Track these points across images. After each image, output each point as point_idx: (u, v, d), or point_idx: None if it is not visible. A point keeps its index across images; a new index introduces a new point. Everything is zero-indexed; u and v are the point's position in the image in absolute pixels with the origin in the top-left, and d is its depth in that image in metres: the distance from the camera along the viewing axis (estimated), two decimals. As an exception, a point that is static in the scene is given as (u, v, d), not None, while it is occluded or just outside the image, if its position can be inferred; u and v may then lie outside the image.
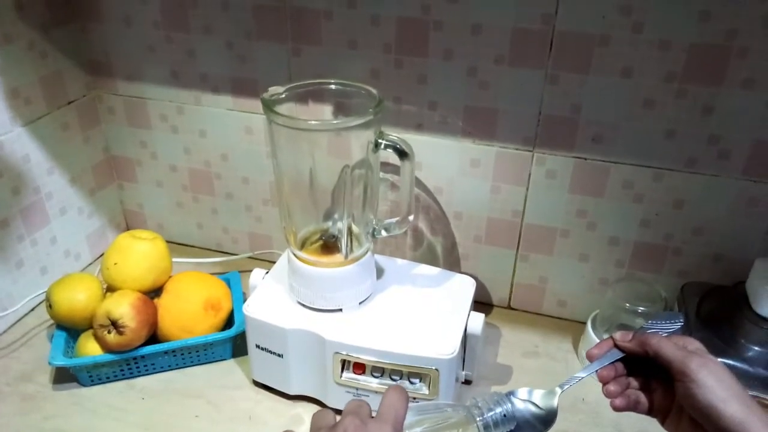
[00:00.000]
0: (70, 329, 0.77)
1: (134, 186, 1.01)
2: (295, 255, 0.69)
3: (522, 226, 0.83)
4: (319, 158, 0.64)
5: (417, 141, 0.79)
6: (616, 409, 0.50)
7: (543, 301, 0.88)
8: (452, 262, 0.88)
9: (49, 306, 0.75)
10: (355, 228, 0.68)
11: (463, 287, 0.74)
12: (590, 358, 0.52)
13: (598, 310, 0.81)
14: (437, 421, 0.46)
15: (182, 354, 0.77)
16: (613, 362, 0.51)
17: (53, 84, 0.86)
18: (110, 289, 0.77)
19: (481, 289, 0.89)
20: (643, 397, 0.51)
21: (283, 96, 0.64)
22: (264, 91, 0.63)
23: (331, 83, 0.67)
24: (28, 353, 0.81)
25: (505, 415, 0.47)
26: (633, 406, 0.51)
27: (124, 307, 0.71)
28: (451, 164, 0.81)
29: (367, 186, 0.66)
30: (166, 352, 0.75)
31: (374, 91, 0.63)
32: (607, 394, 0.50)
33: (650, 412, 0.51)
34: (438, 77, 0.75)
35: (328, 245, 0.70)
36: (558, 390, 0.50)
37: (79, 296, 0.75)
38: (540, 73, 0.71)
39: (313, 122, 0.61)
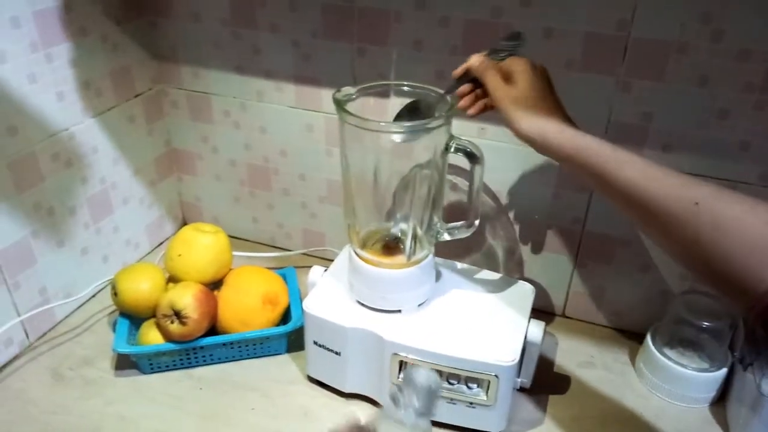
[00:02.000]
0: (133, 317, 0.79)
1: (193, 179, 1.03)
2: (357, 254, 0.69)
3: (582, 233, 0.81)
4: (386, 159, 0.64)
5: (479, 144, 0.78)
6: (461, 108, 0.61)
7: (599, 311, 0.87)
8: (510, 267, 0.87)
9: (115, 294, 0.77)
10: (418, 230, 0.68)
11: (523, 294, 0.74)
12: (454, 76, 0.62)
13: (658, 322, 0.79)
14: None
15: (239, 347, 0.78)
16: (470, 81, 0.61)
17: (122, 77, 0.88)
18: (173, 279, 0.79)
19: (535, 293, 0.88)
20: (487, 102, 0.61)
21: (354, 96, 0.64)
22: (326, 89, 0.63)
23: (403, 85, 0.67)
24: (91, 338, 0.83)
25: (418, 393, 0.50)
26: (482, 109, 0.61)
27: (187, 298, 0.72)
28: (512, 169, 0.80)
29: (432, 188, 0.66)
30: (224, 344, 0.77)
31: (437, 92, 0.63)
32: (462, 107, 0.61)
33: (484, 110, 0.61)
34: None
35: (390, 246, 0.70)
36: (438, 97, 0.63)
37: (143, 285, 0.76)
38: (611, 79, 0.70)
39: (383, 123, 0.61)
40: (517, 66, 0.57)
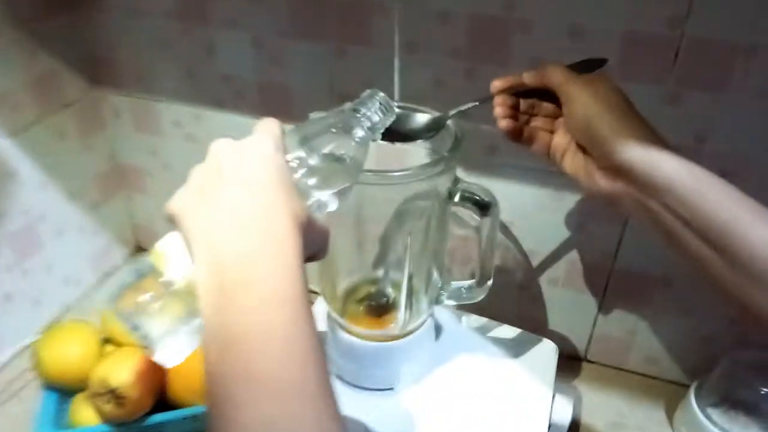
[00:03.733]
0: (63, 389, 0.64)
1: (145, 198, 0.87)
2: (335, 320, 0.54)
3: (612, 270, 0.67)
4: (370, 198, 0.49)
5: (487, 166, 0.63)
6: (505, 131, 0.48)
7: (628, 356, 0.73)
8: (521, 304, 0.73)
9: (37, 364, 0.62)
10: (415, 287, 0.54)
11: (545, 355, 0.60)
12: (492, 89, 0.49)
13: (704, 376, 0.65)
14: (322, 129, 0.41)
15: (194, 421, 0.63)
16: (515, 95, 0.48)
17: (46, 85, 0.71)
18: (110, 341, 0.64)
19: (551, 335, 0.74)
20: (542, 135, 0.49)
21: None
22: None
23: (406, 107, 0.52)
24: (16, 409, 0.68)
25: (381, 105, 0.43)
26: (528, 140, 0.49)
27: (124, 374, 0.57)
28: (528, 194, 0.65)
29: (431, 238, 0.51)
30: (176, 420, 0.62)
31: (449, 122, 0.48)
32: (496, 114, 0.48)
33: (548, 152, 0.49)
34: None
35: (377, 306, 0.55)
36: (450, 113, 0.48)
37: (71, 353, 0.61)
38: (657, 89, 0.55)
39: (369, 174, 0.45)
40: (606, 82, 0.44)
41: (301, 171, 0.38)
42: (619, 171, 0.41)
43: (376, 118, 0.42)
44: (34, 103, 0.70)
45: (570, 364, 0.75)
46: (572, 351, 0.75)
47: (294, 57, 0.66)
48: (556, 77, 0.45)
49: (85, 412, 0.61)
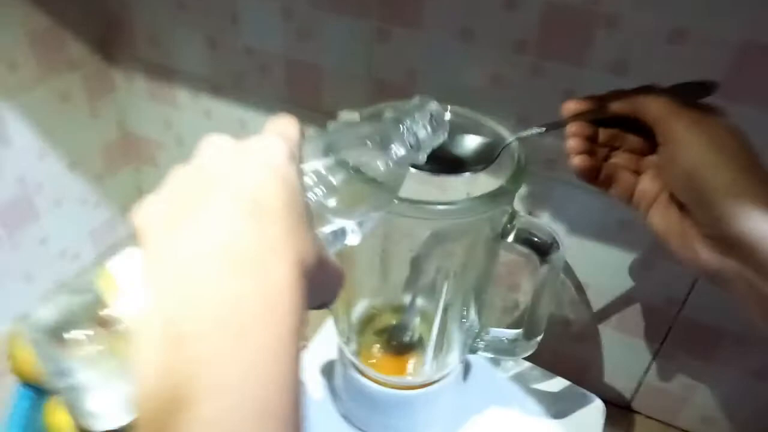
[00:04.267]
0: (39, 389, 0.57)
1: (155, 171, 0.79)
2: (346, 356, 0.46)
3: (677, 318, 0.57)
4: (402, 229, 0.40)
5: (541, 181, 0.54)
6: (577, 169, 0.38)
7: (680, 412, 0.64)
8: (563, 339, 0.64)
9: (9, 358, 0.55)
10: (449, 327, 0.45)
11: (590, 416, 0.51)
12: (565, 111, 0.39)
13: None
14: (353, 139, 0.32)
15: None
16: (592, 122, 0.38)
17: (49, 43, 0.63)
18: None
19: (594, 377, 0.65)
20: (624, 177, 0.38)
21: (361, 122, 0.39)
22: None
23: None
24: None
25: (432, 119, 0.33)
26: (605, 182, 0.39)
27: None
28: (590, 219, 0.55)
29: (473, 275, 0.41)
30: None
31: (510, 137, 0.38)
32: (569, 149, 0.38)
33: (631, 197, 0.38)
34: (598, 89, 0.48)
35: (398, 343, 0.47)
36: (508, 138, 0.38)
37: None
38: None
39: (405, 204, 0.36)
40: (723, 121, 0.34)
41: (320, 190, 0.29)
42: (733, 245, 0.31)
43: (423, 134, 0.32)
44: (34, 62, 0.62)
45: (611, 411, 0.66)
46: (616, 398, 0.66)
47: (328, 33, 0.56)
48: (655, 108, 0.35)
49: (60, 416, 0.54)
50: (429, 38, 0.52)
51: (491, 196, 0.35)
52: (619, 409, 0.66)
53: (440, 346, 0.43)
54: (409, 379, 0.45)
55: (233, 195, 0.25)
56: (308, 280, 0.24)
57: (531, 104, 0.51)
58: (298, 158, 0.28)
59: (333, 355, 0.49)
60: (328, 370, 0.49)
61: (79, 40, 0.66)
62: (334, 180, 0.29)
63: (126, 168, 0.79)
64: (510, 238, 0.38)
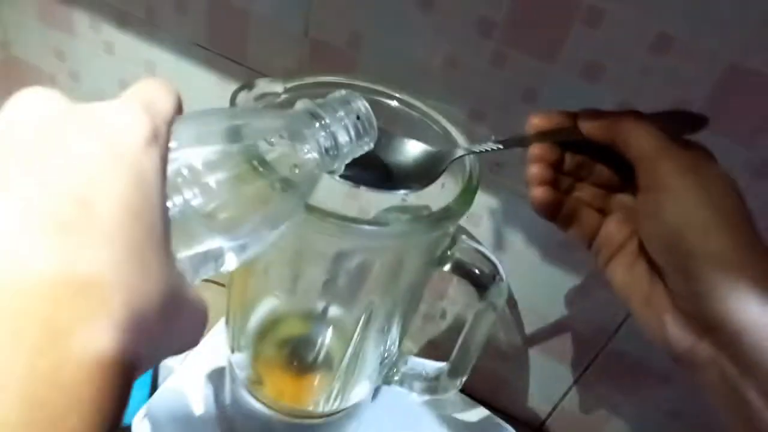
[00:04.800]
0: None
1: (43, 108, 0.67)
2: (235, 373, 0.38)
3: (604, 348, 0.53)
4: (315, 245, 0.32)
5: (484, 186, 0.47)
6: (538, 204, 0.31)
7: (596, 438, 0.60)
8: (483, 355, 0.59)
9: None
10: (364, 349, 0.38)
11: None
12: (529, 128, 0.31)
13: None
14: (252, 128, 0.24)
15: None
16: (559, 144, 0.31)
17: None
18: None
19: (509, 395, 0.61)
20: (588, 215, 0.32)
21: (282, 99, 0.31)
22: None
23: (381, 93, 0.34)
24: None
25: (359, 121, 0.26)
26: (566, 220, 0.32)
27: None
28: (532, 236, 0.50)
29: (397, 297, 0.35)
30: None
31: (460, 150, 0.31)
32: (530, 178, 0.31)
33: (592, 240, 0.32)
34: (563, 93, 0.42)
35: (302, 356, 0.39)
36: (458, 152, 0.31)
37: None
38: (749, 154, 0.39)
39: (332, 220, 0.28)
40: (720, 173, 0.27)
41: (191, 192, 0.21)
42: (712, 327, 0.25)
43: (344, 139, 0.25)
44: None
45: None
46: (530, 418, 0.62)
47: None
48: (642, 143, 0.28)
49: None
50: (377, 1, 0.44)
51: (434, 219, 0.28)
52: (530, 431, 0.62)
53: (352, 371, 0.36)
54: (309, 408, 0.38)
55: (37, 191, 0.16)
56: (147, 335, 0.16)
57: (488, 98, 0.44)
58: (164, 141, 0.19)
59: (222, 361, 0.41)
60: (215, 380, 0.42)
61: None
62: (214, 179, 0.21)
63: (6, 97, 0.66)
64: (446, 267, 0.31)
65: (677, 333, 0.27)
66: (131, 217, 0.17)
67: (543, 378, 0.58)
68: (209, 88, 0.55)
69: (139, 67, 0.58)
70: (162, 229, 0.18)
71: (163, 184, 0.19)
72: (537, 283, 0.52)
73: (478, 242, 0.32)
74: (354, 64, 0.45)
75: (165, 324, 0.17)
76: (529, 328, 0.55)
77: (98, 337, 0.15)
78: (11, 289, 0.14)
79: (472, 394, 0.57)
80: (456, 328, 0.57)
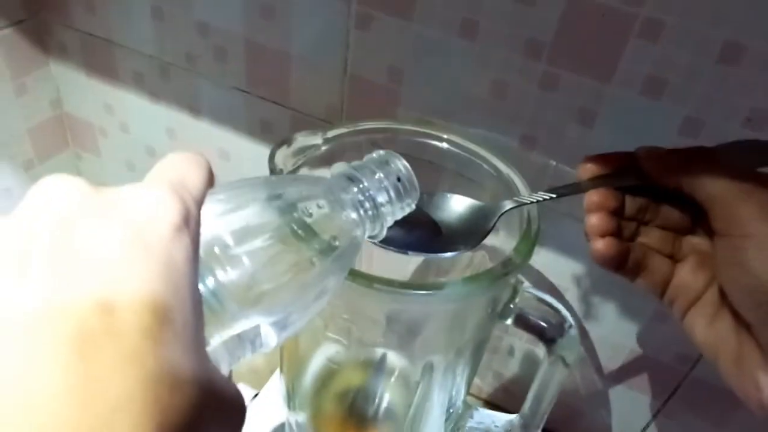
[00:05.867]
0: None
1: (96, 160, 0.68)
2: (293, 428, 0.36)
3: (687, 377, 0.49)
4: (365, 307, 0.30)
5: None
6: (601, 257, 0.28)
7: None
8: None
9: None
10: (429, 401, 0.36)
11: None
12: (583, 173, 0.29)
13: None
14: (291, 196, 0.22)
15: None
16: (618, 189, 0.28)
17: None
18: None
19: (585, 428, 0.57)
20: (657, 263, 0.29)
21: (323, 151, 0.30)
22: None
23: (432, 136, 0.32)
24: None
25: (400, 183, 0.24)
26: (633, 269, 0.29)
27: None
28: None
29: (459, 353, 0.32)
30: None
31: (508, 203, 0.28)
32: (589, 229, 0.28)
33: (665, 290, 0.29)
34: (624, 111, 0.39)
35: (362, 413, 0.38)
36: (506, 205, 0.28)
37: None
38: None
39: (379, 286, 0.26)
40: None
41: (222, 271, 0.20)
42: None
43: (382, 198, 0.23)
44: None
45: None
46: (607, 451, 0.58)
47: (298, 13, 0.46)
48: (716, 184, 0.25)
49: None
50: (420, 29, 0.42)
51: (493, 277, 0.26)
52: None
53: (417, 425, 0.34)
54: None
55: (54, 295, 0.14)
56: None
57: (539, 123, 0.41)
58: (195, 225, 0.18)
59: (279, 418, 0.40)
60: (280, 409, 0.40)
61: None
62: (248, 250, 0.19)
63: (63, 154, 0.68)
64: (509, 321, 0.29)
65: None
66: (159, 322, 0.15)
67: (621, 409, 0.55)
68: (253, 131, 0.54)
69: (183, 111, 0.58)
70: (194, 325, 0.17)
71: (195, 272, 0.18)
72: (608, 310, 0.48)
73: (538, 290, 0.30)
74: (397, 98, 0.44)
75: (202, 412, 0.16)
76: (602, 357, 0.52)
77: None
78: (17, 424, 0.13)
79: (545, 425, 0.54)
80: (526, 366, 0.55)
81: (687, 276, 0.28)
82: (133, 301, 0.15)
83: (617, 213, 0.28)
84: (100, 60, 0.59)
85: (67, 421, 0.13)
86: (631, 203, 0.29)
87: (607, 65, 0.38)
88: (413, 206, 0.24)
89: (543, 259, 0.47)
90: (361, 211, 0.23)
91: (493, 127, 0.41)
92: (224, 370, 0.20)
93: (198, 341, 0.17)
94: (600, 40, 0.37)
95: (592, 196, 0.28)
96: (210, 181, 0.20)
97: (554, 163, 0.40)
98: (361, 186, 0.23)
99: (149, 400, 0.14)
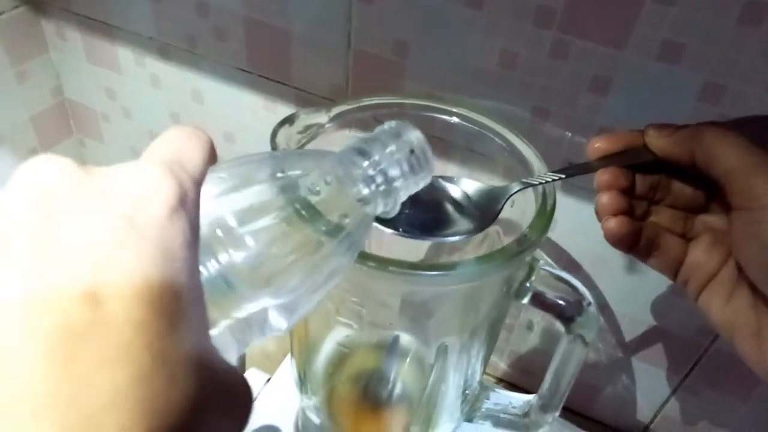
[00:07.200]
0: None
1: (100, 147, 0.68)
2: (309, 418, 0.36)
3: (707, 350, 0.48)
4: (376, 290, 0.29)
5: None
6: (612, 236, 0.27)
7: (702, 446, 0.55)
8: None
9: None
10: (444, 387, 0.35)
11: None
12: (592, 153, 0.28)
13: None
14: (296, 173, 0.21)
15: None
16: (628, 167, 0.28)
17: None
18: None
19: (604, 404, 0.57)
20: (670, 243, 0.28)
21: (327, 128, 0.28)
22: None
23: (440, 110, 0.31)
24: None
25: (413, 155, 0.23)
26: (646, 249, 0.28)
27: None
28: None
29: (475, 334, 0.31)
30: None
31: (516, 184, 0.27)
32: (600, 208, 0.28)
33: (678, 270, 0.28)
34: (639, 78, 0.38)
35: (375, 397, 0.37)
36: (513, 188, 0.28)
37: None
38: None
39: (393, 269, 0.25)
40: None
41: (226, 254, 0.19)
42: None
43: (395, 172, 0.22)
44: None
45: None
46: (627, 424, 0.57)
47: (298, -10, 0.45)
48: (731, 156, 0.24)
49: None
50: (422, 2, 0.40)
51: (508, 255, 0.24)
52: (629, 439, 0.58)
53: (433, 406, 0.34)
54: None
55: (39, 286, 0.13)
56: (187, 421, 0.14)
57: (552, 93, 0.40)
58: (193, 205, 0.17)
59: (292, 402, 0.39)
60: (285, 422, 0.40)
61: (-7, -13, 0.54)
62: (253, 231, 0.18)
63: (66, 141, 0.67)
64: (525, 300, 0.28)
65: None
66: (152, 313, 0.14)
67: (641, 385, 0.54)
68: (257, 112, 0.53)
69: (185, 95, 0.57)
70: (193, 313, 0.16)
71: (194, 257, 0.16)
72: (627, 286, 0.47)
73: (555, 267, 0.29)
74: (402, 72, 0.42)
75: (207, 403, 0.15)
76: (621, 333, 0.51)
77: None
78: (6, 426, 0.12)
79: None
80: (545, 342, 0.54)
81: (701, 255, 0.27)
82: (122, 290, 0.14)
83: (628, 192, 0.28)
84: (100, 43, 0.58)
85: (52, 422, 0.12)
86: (642, 182, 0.28)
87: (622, 31, 0.36)
88: (428, 179, 0.23)
89: (558, 234, 0.46)
90: (373, 187, 0.22)
91: (503, 98, 0.40)
92: (232, 357, 0.20)
93: (198, 330, 0.16)
94: (614, 5, 0.35)
95: (602, 175, 0.27)
96: (211, 159, 0.19)
97: (569, 134, 0.38)
98: (372, 160, 0.22)
99: (142, 397, 0.13)
